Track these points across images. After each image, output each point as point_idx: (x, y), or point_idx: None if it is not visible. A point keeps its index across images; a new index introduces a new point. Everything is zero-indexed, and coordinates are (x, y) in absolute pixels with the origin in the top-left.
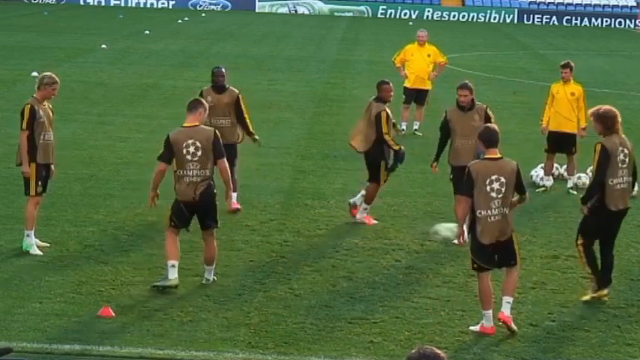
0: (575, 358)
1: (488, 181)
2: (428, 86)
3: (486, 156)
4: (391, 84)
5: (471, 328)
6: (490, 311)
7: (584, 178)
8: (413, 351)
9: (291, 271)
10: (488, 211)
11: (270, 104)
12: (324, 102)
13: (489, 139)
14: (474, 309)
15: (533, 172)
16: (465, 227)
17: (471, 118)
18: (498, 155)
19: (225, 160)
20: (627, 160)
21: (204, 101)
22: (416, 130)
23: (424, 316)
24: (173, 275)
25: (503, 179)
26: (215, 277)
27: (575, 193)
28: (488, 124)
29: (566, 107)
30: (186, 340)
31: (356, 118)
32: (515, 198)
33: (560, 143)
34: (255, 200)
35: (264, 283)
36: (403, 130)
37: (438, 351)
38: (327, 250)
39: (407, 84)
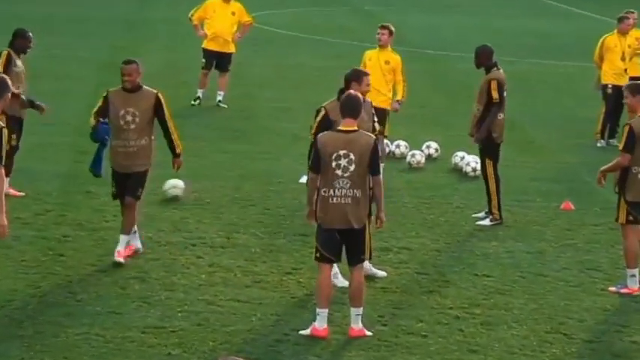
0: None
1: (335, 156)
2: (231, 49)
3: (339, 127)
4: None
5: (301, 332)
6: (326, 310)
7: (419, 156)
8: None
9: (72, 271)
10: (332, 191)
11: (45, 73)
12: (111, 69)
13: (344, 107)
14: (292, 312)
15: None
16: (313, 210)
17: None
18: (353, 127)
19: None
20: None
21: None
22: (220, 101)
23: (232, 322)
24: None
25: (352, 155)
26: None
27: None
28: (351, 91)
29: (377, 78)
30: None
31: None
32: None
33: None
34: (28, 187)
35: (40, 287)
36: (199, 98)
37: None
38: (115, 246)
39: (206, 45)
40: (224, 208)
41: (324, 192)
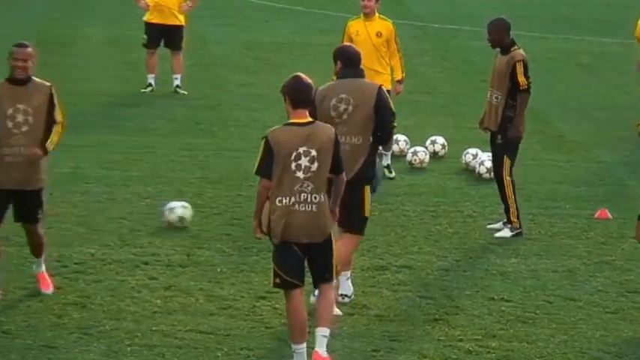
0: None
1: (294, 155)
2: (179, 21)
3: (292, 120)
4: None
5: None
6: (303, 346)
7: (423, 154)
8: None
9: None
10: (292, 199)
11: None
12: (44, 46)
13: (294, 95)
14: (267, 345)
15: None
16: (264, 218)
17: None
18: (308, 119)
19: None
20: None
21: None
22: (178, 87)
23: (193, 358)
24: None
25: (313, 152)
26: None
27: (392, 175)
28: (299, 75)
29: (370, 55)
30: None
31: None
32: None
33: None
34: None
35: None
36: (151, 85)
37: None
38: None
39: (149, 18)
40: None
41: (281, 201)
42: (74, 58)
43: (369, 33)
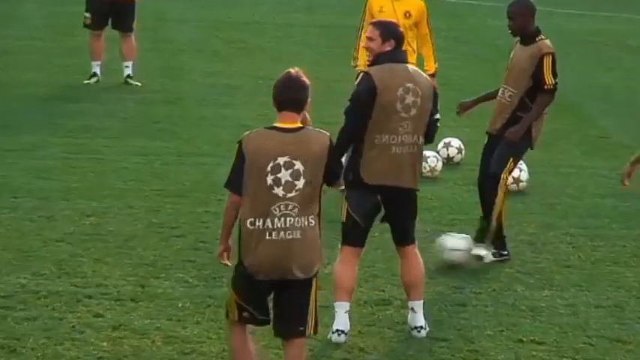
0: None
1: (271, 166)
2: None
3: (276, 124)
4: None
5: None
6: None
7: (434, 160)
8: None
9: None
10: (267, 222)
11: None
12: None
13: (280, 94)
14: None
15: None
16: (230, 246)
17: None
18: (296, 124)
19: None
20: None
21: None
22: (129, 77)
23: None
24: None
25: (299, 165)
26: None
27: None
28: (291, 70)
29: None
30: None
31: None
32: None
33: None
34: None
35: None
36: (95, 75)
37: None
38: None
39: None
40: (136, 240)
41: (254, 223)
42: (3, 41)
43: (395, 11)
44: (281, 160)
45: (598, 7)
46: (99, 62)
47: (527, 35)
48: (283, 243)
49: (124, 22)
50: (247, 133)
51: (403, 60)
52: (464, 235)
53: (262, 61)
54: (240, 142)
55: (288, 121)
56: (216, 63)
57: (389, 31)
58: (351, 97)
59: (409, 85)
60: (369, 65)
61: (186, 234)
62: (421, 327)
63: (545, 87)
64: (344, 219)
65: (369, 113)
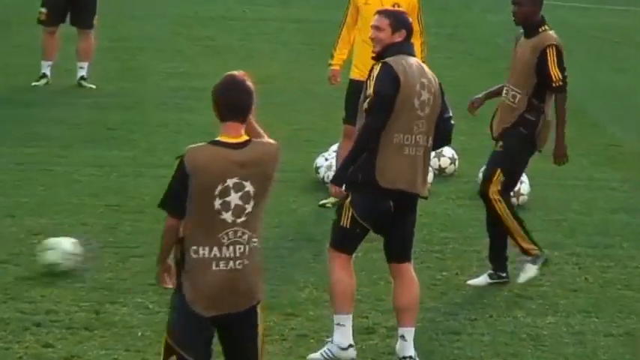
0: None
1: (219, 189)
2: None
3: (221, 137)
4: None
5: None
6: None
7: None
8: None
9: None
10: (215, 251)
11: None
12: None
13: (225, 102)
14: None
15: None
16: (170, 265)
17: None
18: (243, 137)
19: None
20: None
21: None
22: (83, 78)
23: None
24: None
25: (249, 186)
26: None
27: (330, 205)
28: (234, 73)
29: None
30: None
31: None
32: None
33: None
34: None
35: None
36: (46, 76)
37: None
38: None
39: None
40: (89, 260)
41: (198, 252)
42: None
43: (383, 3)
44: (230, 182)
45: (604, 0)
46: (50, 62)
47: (531, 25)
48: (232, 273)
49: (84, 18)
50: (190, 148)
51: (413, 53)
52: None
53: (232, 61)
54: (181, 158)
55: (234, 134)
56: (179, 63)
57: (399, 20)
58: (374, 89)
59: (424, 80)
60: (375, 57)
61: (145, 254)
62: (410, 357)
63: (554, 84)
64: (347, 225)
65: (393, 108)
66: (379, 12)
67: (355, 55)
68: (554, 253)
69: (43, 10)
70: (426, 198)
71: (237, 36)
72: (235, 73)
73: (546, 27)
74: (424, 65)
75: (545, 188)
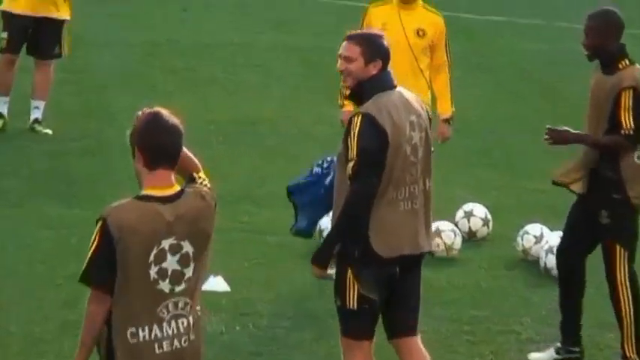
0: None
1: (154, 254)
2: (60, 13)
3: (147, 189)
4: None
5: None
6: None
7: (450, 235)
8: None
9: None
10: (154, 330)
11: None
12: None
13: (151, 146)
14: None
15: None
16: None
17: None
18: (174, 187)
19: None
20: None
21: None
22: (37, 121)
23: None
24: None
25: (187, 246)
26: None
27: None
28: (159, 111)
29: (401, 62)
30: None
31: None
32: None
33: None
34: None
35: None
36: (2, 116)
37: None
38: None
39: (10, 5)
40: (45, 344)
41: (136, 335)
42: None
43: (404, 27)
44: (166, 244)
45: None
46: (7, 98)
47: (606, 59)
48: (178, 354)
49: (46, 46)
50: (112, 207)
51: (392, 84)
52: None
53: (215, 97)
54: (103, 221)
55: (165, 184)
56: (152, 100)
57: (374, 47)
58: (358, 150)
59: (413, 117)
60: (348, 96)
61: None
62: None
63: (622, 131)
64: (354, 306)
65: (383, 167)
66: (347, 37)
67: None
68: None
69: (4, 35)
70: (432, 255)
71: (221, 66)
72: (159, 109)
73: (626, 61)
74: (409, 93)
75: None
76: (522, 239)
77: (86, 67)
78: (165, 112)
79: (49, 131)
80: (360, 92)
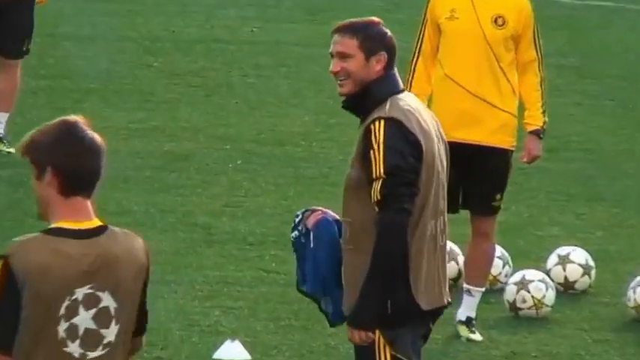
0: None
1: (64, 306)
2: None
3: (61, 223)
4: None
5: None
6: None
7: (540, 288)
8: None
9: None
10: None
11: None
12: None
13: (67, 168)
14: None
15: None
16: None
17: None
18: (94, 221)
19: None
20: None
21: None
22: (1, 137)
23: None
24: None
25: (107, 299)
26: None
27: (475, 337)
28: (72, 119)
29: (476, 62)
30: None
31: None
32: None
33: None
34: None
35: None
36: None
37: None
38: None
39: None
40: None
41: None
42: None
43: (478, 15)
44: (79, 294)
45: None
46: None
47: None
48: None
49: (12, 41)
50: (17, 243)
51: (402, 86)
52: None
53: (231, 108)
54: (4, 260)
55: (83, 216)
56: (148, 113)
57: (373, 36)
58: (386, 167)
59: (436, 127)
60: (346, 106)
61: None
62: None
63: None
64: None
65: (419, 188)
66: (338, 30)
67: (434, 101)
68: None
69: None
70: (517, 313)
71: (238, 68)
72: (75, 118)
73: None
74: (422, 104)
75: None
76: (635, 293)
77: (61, 70)
78: (80, 124)
79: (12, 150)
80: (367, 98)
